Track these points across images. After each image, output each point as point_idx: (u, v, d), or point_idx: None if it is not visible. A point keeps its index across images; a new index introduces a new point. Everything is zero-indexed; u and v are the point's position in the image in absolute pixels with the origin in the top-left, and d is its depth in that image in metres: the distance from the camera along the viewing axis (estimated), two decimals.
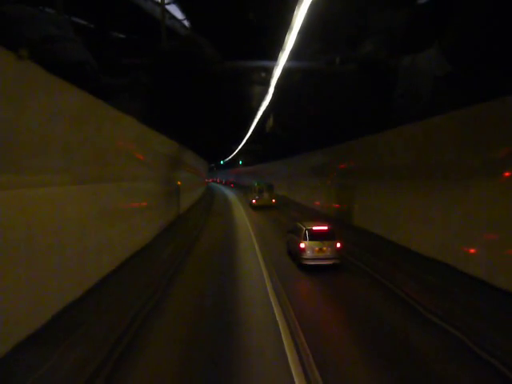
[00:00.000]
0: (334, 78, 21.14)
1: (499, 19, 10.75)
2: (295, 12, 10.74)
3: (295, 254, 11.66)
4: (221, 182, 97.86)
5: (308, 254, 10.67)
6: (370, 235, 15.73)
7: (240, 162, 52.97)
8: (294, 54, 15.24)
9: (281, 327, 6.94)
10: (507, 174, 8.30)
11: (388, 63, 18.11)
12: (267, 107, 26.15)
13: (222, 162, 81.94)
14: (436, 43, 15.02)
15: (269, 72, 20.87)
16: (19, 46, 5.64)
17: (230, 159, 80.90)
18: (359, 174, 17.90)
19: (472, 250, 9.51)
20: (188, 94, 21.32)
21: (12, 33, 8.91)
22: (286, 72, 18.30)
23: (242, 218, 24.24)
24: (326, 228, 11.20)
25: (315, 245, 10.63)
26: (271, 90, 21.78)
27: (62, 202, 7.36)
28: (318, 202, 25.41)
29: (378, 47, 19.42)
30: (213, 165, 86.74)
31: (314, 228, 11.10)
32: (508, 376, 5.21)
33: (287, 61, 15.70)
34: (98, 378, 5.20)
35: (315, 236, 10.80)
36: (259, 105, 27.22)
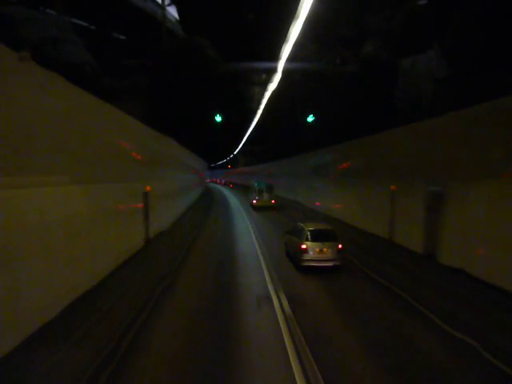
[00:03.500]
0: (333, 78, 21.17)
1: (499, 21, 10.75)
2: (296, 13, 10.75)
3: (294, 255, 11.14)
4: (220, 183, 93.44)
5: (309, 255, 10.27)
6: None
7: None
8: (294, 56, 15.26)
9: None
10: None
11: (388, 64, 18.10)
12: (266, 107, 26.18)
13: (225, 158, 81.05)
14: (436, 45, 14.98)
15: (269, 73, 20.89)
16: (21, 47, 5.64)
17: (229, 159, 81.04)
18: (358, 173, 17.85)
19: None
20: (188, 94, 21.34)
21: (13, 34, 8.92)
22: (285, 73, 18.30)
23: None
24: (327, 229, 10.87)
25: (316, 246, 10.24)
26: (271, 90, 21.79)
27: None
28: (318, 203, 25.38)
29: (377, 48, 19.42)
30: (212, 165, 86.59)
31: (316, 228, 10.72)
32: None
33: (287, 61, 15.71)
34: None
35: (316, 237, 10.41)
36: (259, 105, 27.25)
